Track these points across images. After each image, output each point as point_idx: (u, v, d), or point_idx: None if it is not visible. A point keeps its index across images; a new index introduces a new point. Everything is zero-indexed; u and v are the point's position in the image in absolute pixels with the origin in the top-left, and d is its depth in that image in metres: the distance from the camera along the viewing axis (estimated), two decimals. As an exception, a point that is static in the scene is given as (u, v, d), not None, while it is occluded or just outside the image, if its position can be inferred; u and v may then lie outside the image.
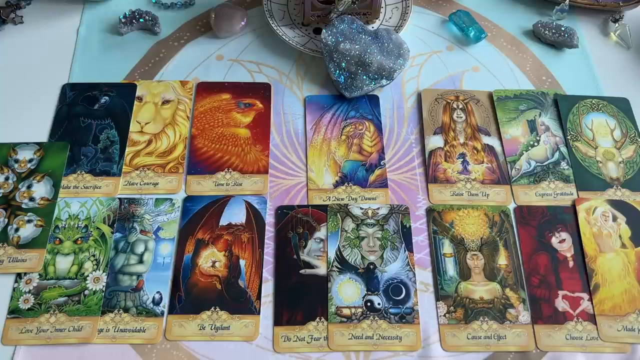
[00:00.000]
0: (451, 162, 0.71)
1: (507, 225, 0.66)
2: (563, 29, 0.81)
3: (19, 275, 0.62)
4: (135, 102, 0.74)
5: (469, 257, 0.64)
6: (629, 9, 0.84)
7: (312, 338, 0.59)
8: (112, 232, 0.65)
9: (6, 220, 0.65)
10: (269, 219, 0.66)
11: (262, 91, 0.76)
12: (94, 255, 0.63)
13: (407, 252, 0.64)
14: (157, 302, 0.61)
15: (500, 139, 0.73)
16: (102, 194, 0.67)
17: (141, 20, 0.80)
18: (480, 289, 0.63)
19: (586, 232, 0.66)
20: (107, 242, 0.64)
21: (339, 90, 0.75)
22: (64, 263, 0.63)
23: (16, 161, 0.69)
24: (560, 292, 0.63)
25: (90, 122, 0.72)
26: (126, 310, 0.60)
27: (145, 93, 0.75)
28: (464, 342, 0.60)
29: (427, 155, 0.71)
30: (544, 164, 0.71)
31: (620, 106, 0.76)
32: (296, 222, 0.66)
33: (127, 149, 0.70)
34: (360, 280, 0.63)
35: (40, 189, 0.67)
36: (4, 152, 0.69)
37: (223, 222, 0.66)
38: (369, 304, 0.61)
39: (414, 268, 0.63)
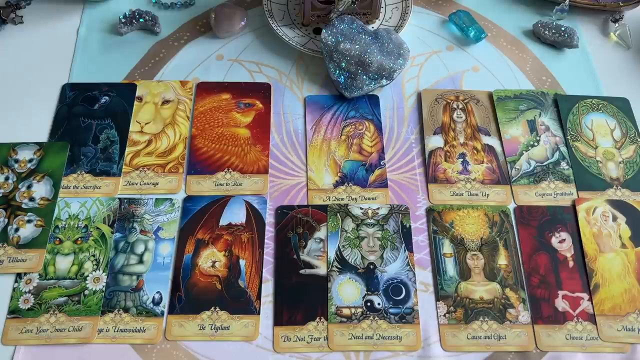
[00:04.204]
0: (451, 162, 0.71)
1: (507, 225, 0.66)
2: (563, 29, 0.81)
3: (19, 275, 0.62)
4: (135, 102, 0.74)
5: (469, 257, 0.64)
6: (629, 9, 0.84)
7: (312, 338, 0.59)
8: (112, 232, 0.65)
9: (6, 220, 0.65)
10: (269, 219, 0.66)
11: (262, 91, 0.76)
12: (94, 255, 0.63)
13: (407, 252, 0.64)
14: (157, 302, 0.61)
15: (500, 139, 0.73)
16: (102, 194, 0.67)
17: (141, 20, 0.80)
18: (480, 289, 0.63)
19: (586, 232, 0.66)
20: (107, 242, 0.64)
21: (339, 90, 0.75)
22: (64, 263, 0.63)
23: (16, 161, 0.69)
24: (560, 292, 0.63)
25: (90, 122, 0.72)
26: (126, 310, 0.60)
27: (145, 93, 0.75)
28: (464, 342, 0.60)
29: (427, 155, 0.71)
30: (544, 164, 0.71)
31: (620, 106, 0.76)
32: (296, 222, 0.66)
33: (127, 149, 0.70)
34: (360, 280, 0.63)
35: (40, 189, 0.67)
36: (4, 152, 0.69)
37: (223, 222, 0.66)
38: (369, 304, 0.61)
39: (414, 268, 0.63)
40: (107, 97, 0.74)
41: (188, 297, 0.61)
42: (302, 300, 0.61)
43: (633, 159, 0.72)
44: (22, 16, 0.82)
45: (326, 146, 0.72)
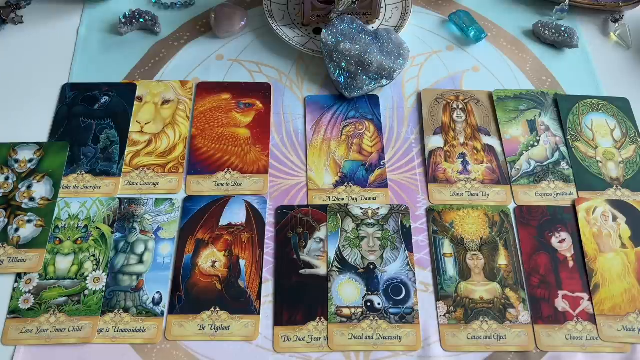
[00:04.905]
0: (451, 162, 0.71)
1: (507, 225, 0.66)
2: (563, 29, 0.81)
3: (19, 275, 0.62)
4: (135, 102, 0.74)
5: (469, 257, 0.64)
6: (629, 9, 0.84)
7: (312, 338, 0.59)
8: (112, 232, 0.65)
9: (6, 220, 0.65)
10: (269, 219, 0.66)
11: (262, 91, 0.76)
12: (94, 255, 0.63)
13: (407, 252, 0.64)
14: (157, 302, 0.61)
15: (500, 139, 0.73)
16: (102, 194, 0.67)
17: (141, 20, 0.80)
18: (480, 289, 0.63)
19: (586, 232, 0.66)
20: (107, 242, 0.64)
21: (339, 90, 0.75)
22: (64, 263, 0.63)
23: (16, 161, 0.69)
24: (560, 292, 0.63)
25: (90, 122, 0.72)
26: (126, 310, 0.60)
27: (145, 93, 0.75)
28: (464, 342, 0.60)
29: (427, 155, 0.71)
30: (544, 164, 0.71)
31: (620, 106, 0.76)
32: (296, 222, 0.66)
33: (127, 149, 0.70)
34: (360, 280, 0.63)
35: (40, 189, 0.67)
36: (4, 152, 0.69)
37: (223, 222, 0.66)
38: (369, 304, 0.61)
39: (414, 268, 0.63)
40: (107, 97, 0.74)
41: (188, 297, 0.61)
42: (302, 300, 0.61)
43: (633, 159, 0.72)
44: (22, 16, 0.82)
45: (326, 146, 0.72)
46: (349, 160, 0.71)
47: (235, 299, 0.61)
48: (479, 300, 0.62)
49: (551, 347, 0.60)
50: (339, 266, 0.63)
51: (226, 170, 0.70)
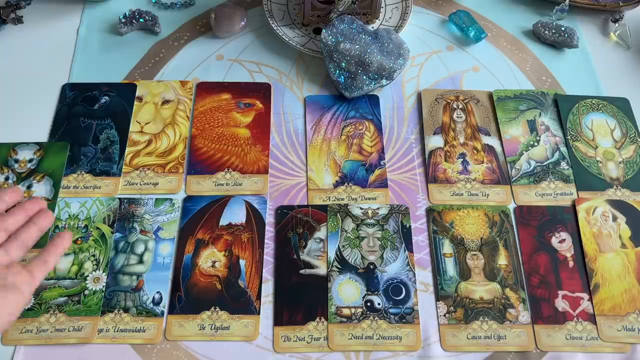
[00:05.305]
0: (451, 162, 0.71)
1: (507, 225, 0.66)
2: (563, 29, 0.81)
3: (19, 275, 0.62)
4: (135, 102, 0.74)
5: (468, 257, 0.64)
6: (629, 9, 0.84)
7: (312, 338, 0.59)
8: (112, 232, 0.65)
9: (6, 220, 0.65)
10: (269, 219, 0.66)
11: (262, 91, 0.76)
12: (94, 255, 0.63)
13: (407, 252, 0.64)
14: (157, 302, 0.61)
15: (500, 139, 0.73)
16: (102, 194, 0.67)
17: (141, 20, 0.80)
18: (480, 289, 0.63)
19: (586, 232, 0.66)
20: (107, 242, 0.64)
21: (339, 90, 0.75)
22: (64, 263, 0.63)
23: (16, 161, 0.69)
24: (560, 292, 0.63)
25: (90, 122, 0.72)
26: (126, 310, 0.60)
27: (145, 93, 0.75)
28: (464, 342, 0.60)
29: (427, 155, 0.71)
30: (544, 164, 0.71)
31: (620, 106, 0.76)
32: (296, 222, 0.66)
33: (127, 149, 0.70)
34: (360, 280, 0.63)
35: (40, 189, 0.67)
36: (4, 152, 0.69)
37: (223, 222, 0.66)
38: (369, 304, 0.61)
39: (414, 268, 0.63)
40: (107, 97, 0.74)
41: (188, 297, 0.61)
42: (302, 300, 0.61)
43: (633, 159, 0.72)
44: (22, 16, 0.82)
45: (326, 146, 0.72)
46: (349, 160, 0.71)
47: (235, 299, 0.61)
48: (479, 300, 0.62)
49: (551, 347, 0.60)
50: (339, 266, 0.63)
51: (226, 170, 0.70)
